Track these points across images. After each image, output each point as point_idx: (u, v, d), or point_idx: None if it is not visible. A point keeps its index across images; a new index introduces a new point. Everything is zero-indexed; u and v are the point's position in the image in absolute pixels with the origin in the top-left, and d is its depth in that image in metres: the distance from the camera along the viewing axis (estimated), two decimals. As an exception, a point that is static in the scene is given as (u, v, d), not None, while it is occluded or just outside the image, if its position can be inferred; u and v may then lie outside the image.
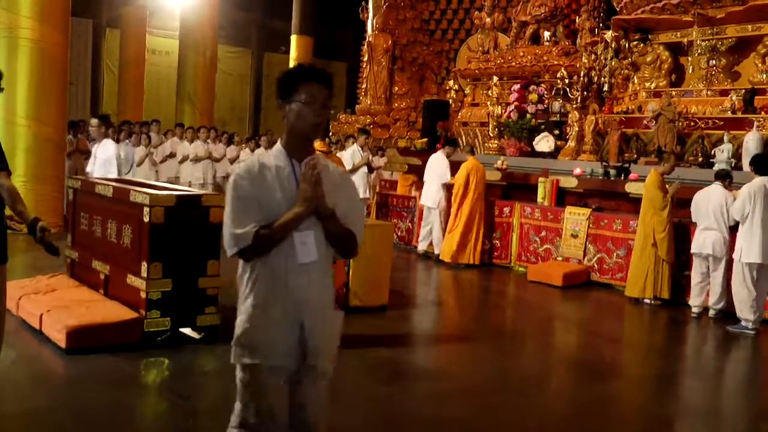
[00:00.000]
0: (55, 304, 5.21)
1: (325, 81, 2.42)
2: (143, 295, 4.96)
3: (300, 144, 2.44)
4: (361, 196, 9.74)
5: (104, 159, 7.40)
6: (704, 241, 7.17)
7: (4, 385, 4.24)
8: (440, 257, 9.63)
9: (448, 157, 10.01)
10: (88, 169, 8.30)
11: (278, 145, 2.48)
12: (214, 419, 3.98)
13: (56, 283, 5.85)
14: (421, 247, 10.07)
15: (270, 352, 2.38)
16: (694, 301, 7.36)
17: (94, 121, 7.52)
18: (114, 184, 5.68)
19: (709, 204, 7.15)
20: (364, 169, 10.65)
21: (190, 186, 11.44)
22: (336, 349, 2.53)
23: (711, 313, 7.22)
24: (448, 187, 9.84)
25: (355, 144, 11.06)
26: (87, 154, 12.24)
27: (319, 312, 2.43)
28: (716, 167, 9.09)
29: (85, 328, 4.80)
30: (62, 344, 4.77)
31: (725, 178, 7.30)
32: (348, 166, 9.58)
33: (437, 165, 9.93)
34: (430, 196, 9.96)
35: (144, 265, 4.96)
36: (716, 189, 7.23)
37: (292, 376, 2.43)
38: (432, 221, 9.94)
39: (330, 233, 2.43)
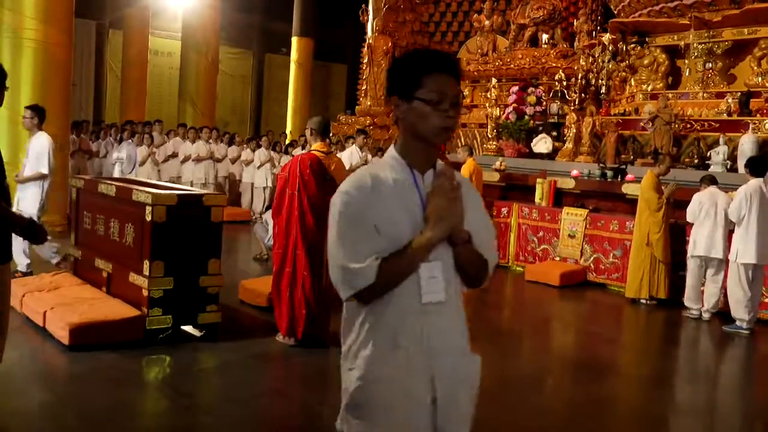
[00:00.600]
0: (58, 302, 5.28)
1: (455, 72, 1.87)
2: (145, 293, 5.02)
3: (422, 151, 1.90)
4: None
5: (37, 153, 6.57)
6: (712, 243, 7.13)
7: (7, 382, 4.28)
8: None
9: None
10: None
11: (392, 152, 1.93)
12: (214, 416, 4.04)
13: (60, 281, 5.92)
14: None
15: (394, 418, 1.85)
16: (690, 303, 7.40)
17: (27, 112, 6.62)
18: (117, 183, 5.76)
19: (718, 205, 7.13)
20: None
21: (191, 186, 11.53)
22: (473, 407, 2.07)
23: (706, 315, 7.26)
24: None
25: (353, 145, 11.12)
26: (89, 154, 12.39)
27: (454, 364, 1.92)
28: (711, 169, 9.18)
29: (88, 325, 4.87)
30: (65, 341, 4.84)
31: (716, 182, 7.35)
32: (346, 167, 9.65)
33: None
34: None
35: (146, 264, 5.02)
36: (718, 191, 7.27)
37: None
38: None
39: (461, 262, 1.91)
